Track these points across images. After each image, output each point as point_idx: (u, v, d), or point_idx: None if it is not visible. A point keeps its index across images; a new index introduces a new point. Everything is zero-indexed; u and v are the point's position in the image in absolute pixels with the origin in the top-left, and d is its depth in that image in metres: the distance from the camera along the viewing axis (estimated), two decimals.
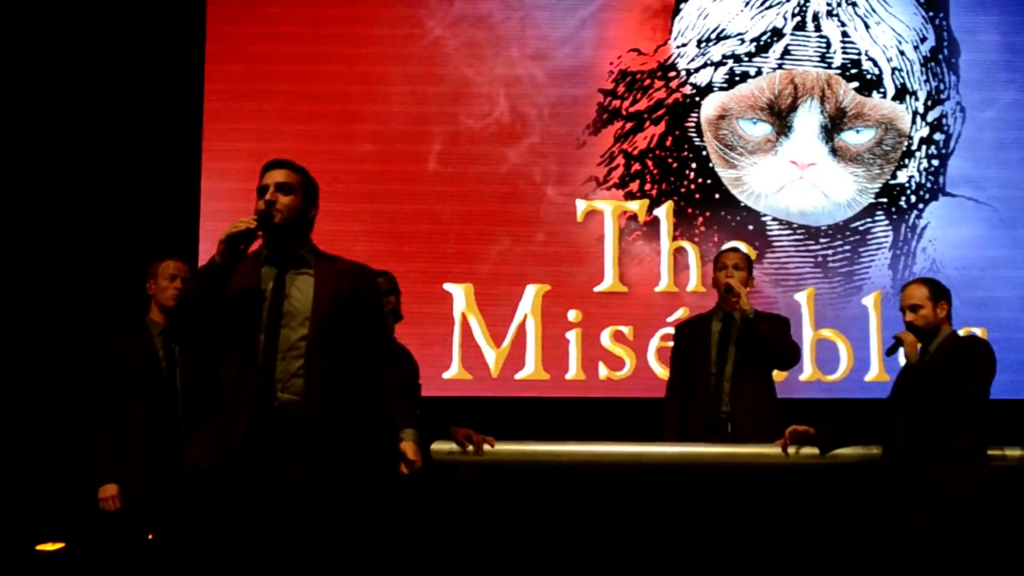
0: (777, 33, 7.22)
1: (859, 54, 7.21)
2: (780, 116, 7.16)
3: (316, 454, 3.86)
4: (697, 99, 7.20)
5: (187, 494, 4.02)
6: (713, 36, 7.26)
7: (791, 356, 5.53)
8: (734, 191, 7.15)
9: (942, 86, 7.28)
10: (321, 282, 3.98)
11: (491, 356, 6.70)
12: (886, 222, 7.17)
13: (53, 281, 6.66)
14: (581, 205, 7.07)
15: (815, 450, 5.23)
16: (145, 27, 7.03)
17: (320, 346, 3.90)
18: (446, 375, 6.43)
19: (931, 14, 7.28)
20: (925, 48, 7.27)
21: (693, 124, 7.20)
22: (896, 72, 7.21)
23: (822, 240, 7.14)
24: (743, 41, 7.24)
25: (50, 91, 6.99)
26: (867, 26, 7.23)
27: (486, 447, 4.95)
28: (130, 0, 7.08)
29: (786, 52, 7.22)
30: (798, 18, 7.25)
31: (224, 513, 3.82)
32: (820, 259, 7.10)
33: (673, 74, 7.22)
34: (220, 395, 3.87)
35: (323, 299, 3.95)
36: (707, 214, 7.12)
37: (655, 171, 7.15)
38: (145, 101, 6.98)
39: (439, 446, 5.03)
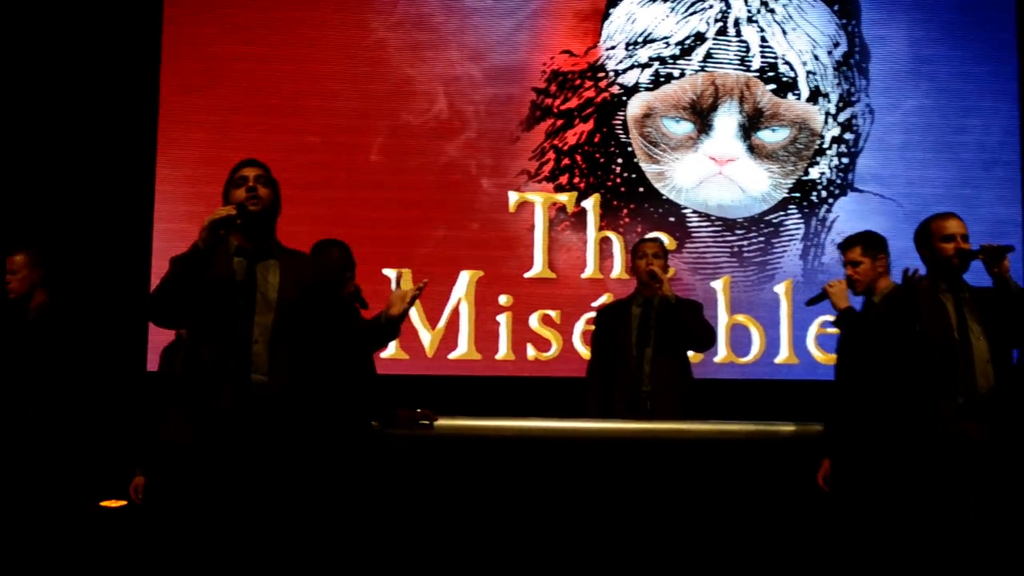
0: (700, 37, 7.31)
1: (776, 58, 7.29)
2: (701, 115, 7.25)
3: (280, 433, 3.93)
4: (624, 98, 7.27)
5: (166, 470, 4.06)
6: (640, 39, 7.34)
7: (707, 339, 5.59)
8: (657, 185, 7.24)
9: (853, 89, 7.41)
10: (287, 272, 4.04)
11: (426, 337, 6.74)
12: (798, 215, 7.29)
13: None
14: (513, 196, 7.17)
15: (740, 426, 5.28)
16: (105, 28, 7.02)
17: (285, 331, 3.98)
18: (384, 354, 6.40)
19: (844, 21, 7.37)
20: (838, 53, 7.39)
21: (620, 122, 7.28)
22: (810, 75, 7.32)
23: (738, 232, 7.27)
24: (668, 44, 7.33)
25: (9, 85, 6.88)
26: (784, 32, 7.33)
27: (423, 421, 5.01)
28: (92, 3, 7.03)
29: (708, 55, 7.31)
30: (720, 24, 7.34)
31: (205, 489, 3.90)
32: (736, 249, 7.23)
33: (602, 75, 7.29)
34: (199, 377, 3.92)
35: (289, 287, 4.02)
36: (631, 206, 7.22)
37: (583, 166, 7.25)
38: (104, 97, 6.98)
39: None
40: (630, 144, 7.23)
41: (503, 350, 7.00)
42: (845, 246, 5.38)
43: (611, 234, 7.17)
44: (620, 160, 7.22)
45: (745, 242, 7.27)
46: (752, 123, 7.26)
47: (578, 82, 7.28)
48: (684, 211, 7.16)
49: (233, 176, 4.03)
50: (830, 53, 7.38)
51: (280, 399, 3.94)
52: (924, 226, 4.84)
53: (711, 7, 7.31)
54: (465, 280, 6.98)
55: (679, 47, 7.32)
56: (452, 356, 6.79)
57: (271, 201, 4.02)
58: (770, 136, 7.29)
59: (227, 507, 3.88)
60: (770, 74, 7.25)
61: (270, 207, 4.02)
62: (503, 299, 7.07)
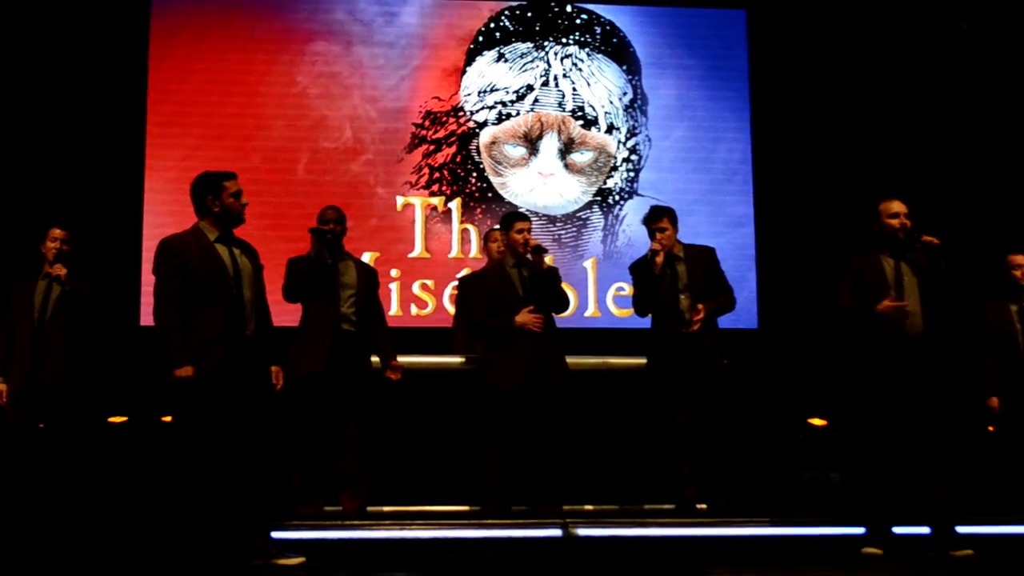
0: (530, 88, 8.37)
1: (583, 103, 8.38)
2: (531, 142, 8.25)
3: (259, 367, 4.58)
4: (477, 131, 8.24)
5: (201, 398, 4.36)
6: (488, 89, 8.32)
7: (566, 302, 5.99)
8: (501, 192, 8.28)
9: (636, 124, 8.47)
10: (248, 255, 4.65)
11: None
12: (599, 213, 8.32)
13: None
14: (400, 200, 8.14)
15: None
16: (99, 79, 7.89)
17: (259, 296, 4.63)
18: None
19: (630, 76, 8.49)
20: (626, 99, 8.46)
21: (475, 147, 8.23)
22: (607, 115, 8.41)
23: (558, 224, 8.27)
24: (508, 92, 8.36)
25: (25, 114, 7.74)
26: (588, 84, 8.43)
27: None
28: (84, 59, 7.85)
29: (536, 100, 8.35)
30: (544, 78, 8.37)
31: (224, 408, 4.42)
32: (557, 237, 8.21)
33: (462, 113, 8.27)
34: (213, 333, 4.41)
35: (255, 265, 4.64)
36: (483, 207, 8.24)
37: (449, 178, 8.20)
38: (100, 130, 7.83)
39: None
40: (482, 163, 8.26)
41: (394, 308, 7.94)
42: (654, 218, 5.66)
43: (469, 226, 8.20)
44: (475, 174, 8.26)
45: (563, 232, 8.25)
46: (567, 148, 8.28)
47: (445, 119, 8.25)
48: (520, 210, 7.62)
49: (233, 188, 4.62)
50: (621, 99, 8.44)
51: (262, 348, 4.60)
52: (872, 206, 4.95)
53: (537, 66, 8.37)
54: (367, 259, 7.75)
55: (515, 94, 8.35)
56: None
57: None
58: (579, 157, 8.28)
59: (233, 420, 4.46)
60: (579, 114, 8.38)
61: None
62: (394, 272, 8.01)
